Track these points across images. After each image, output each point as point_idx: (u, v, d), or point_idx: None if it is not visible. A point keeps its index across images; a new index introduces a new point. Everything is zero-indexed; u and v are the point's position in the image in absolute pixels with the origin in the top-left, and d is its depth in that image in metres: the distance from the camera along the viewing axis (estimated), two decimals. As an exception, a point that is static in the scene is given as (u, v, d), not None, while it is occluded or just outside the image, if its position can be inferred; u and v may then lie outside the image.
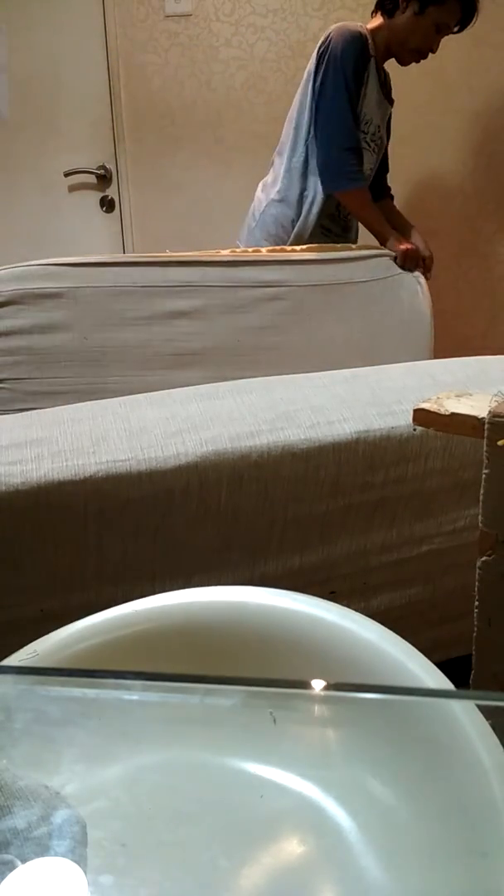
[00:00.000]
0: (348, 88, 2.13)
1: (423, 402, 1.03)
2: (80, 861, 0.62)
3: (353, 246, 2.32)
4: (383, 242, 2.28)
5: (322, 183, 2.19)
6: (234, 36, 2.72)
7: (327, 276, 2.19)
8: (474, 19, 2.17)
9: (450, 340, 2.95)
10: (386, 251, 2.28)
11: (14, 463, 1.26)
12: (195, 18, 2.72)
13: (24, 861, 0.60)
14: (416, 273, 2.31)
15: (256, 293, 2.14)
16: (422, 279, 2.31)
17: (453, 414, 1.00)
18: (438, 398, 1.03)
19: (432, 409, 1.02)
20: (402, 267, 2.26)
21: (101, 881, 0.64)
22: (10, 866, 0.59)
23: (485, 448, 0.95)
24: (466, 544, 1.45)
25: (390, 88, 2.39)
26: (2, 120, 2.92)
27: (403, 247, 2.26)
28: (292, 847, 0.73)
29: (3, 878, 0.57)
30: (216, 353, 2.13)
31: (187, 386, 2.06)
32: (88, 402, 1.47)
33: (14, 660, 0.86)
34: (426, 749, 0.74)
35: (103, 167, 2.92)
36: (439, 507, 1.46)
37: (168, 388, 2.01)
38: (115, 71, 2.81)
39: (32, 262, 2.00)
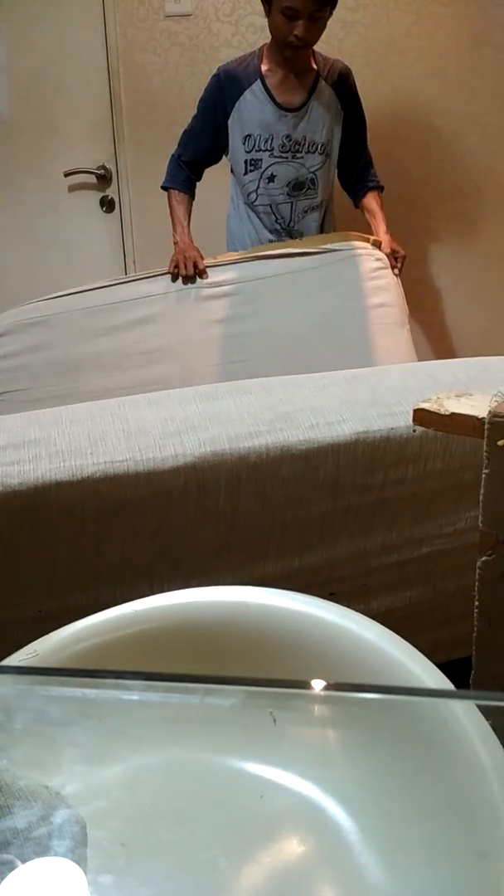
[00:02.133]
0: (198, 118, 2.41)
1: (423, 401, 1.03)
2: (80, 861, 0.62)
3: (299, 241, 2.45)
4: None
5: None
6: (234, 36, 2.72)
7: (276, 269, 2.37)
8: None
9: (450, 340, 2.95)
10: (335, 245, 2.40)
11: (12, 463, 1.25)
12: (195, 18, 2.72)
13: (24, 861, 0.60)
14: (374, 250, 2.41)
15: (212, 292, 2.36)
16: (380, 254, 2.41)
17: (453, 414, 1.00)
18: (438, 398, 1.03)
19: (432, 409, 1.02)
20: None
21: (101, 881, 0.64)
22: (10, 866, 0.59)
23: (485, 448, 0.95)
24: (467, 546, 1.45)
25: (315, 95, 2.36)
26: (2, 120, 2.92)
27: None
28: (292, 847, 0.73)
29: (3, 878, 0.57)
30: (182, 346, 2.35)
31: (159, 380, 2.24)
32: (87, 403, 1.47)
33: (14, 660, 0.86)
34: (426, 749, 0.74)
35: (103, 167, 2.92)
36: (439, 509, 1.46)
37: (141, 384, 2.22)
38: (115, 71, 2.81)
39: (22, 304, 2.40)
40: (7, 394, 2.31)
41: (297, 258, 2.37)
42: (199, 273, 2.36)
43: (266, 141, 2.36)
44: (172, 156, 2.46)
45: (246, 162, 2.38)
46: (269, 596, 0.93)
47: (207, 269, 2.36)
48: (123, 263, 3.01)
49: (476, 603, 1.01)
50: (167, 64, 2.78)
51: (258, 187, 2.41)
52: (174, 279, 2.37)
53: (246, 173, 2.40)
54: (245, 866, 0.71)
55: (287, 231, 2.47)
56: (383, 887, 0.68)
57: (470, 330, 2.94)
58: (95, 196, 2.97)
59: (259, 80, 2.31)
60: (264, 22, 2.69)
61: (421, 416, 1.03)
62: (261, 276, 2.36)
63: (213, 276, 2.36)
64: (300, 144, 2.37)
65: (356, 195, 2.52)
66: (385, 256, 2.41)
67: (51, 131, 2.91)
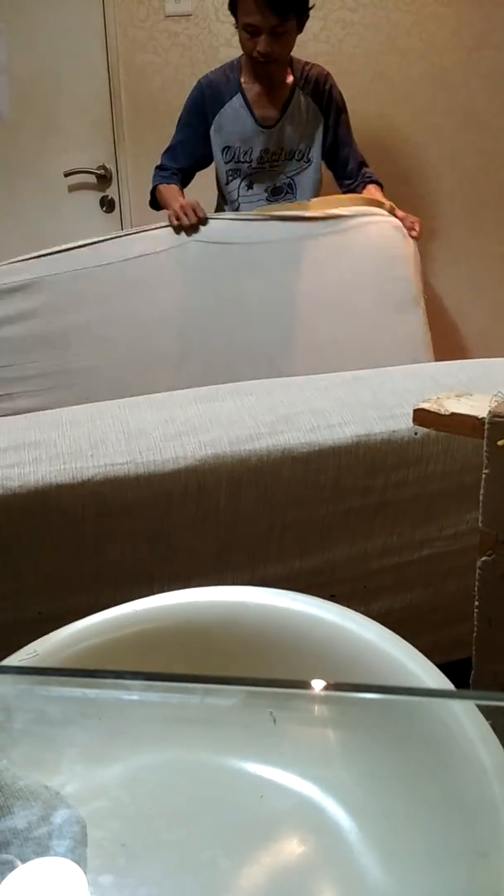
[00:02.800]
0: (183, 129, 2.39)
1: (423, 401, 1.03)
2: (80, 861, 0.62)
3: (307, 202, 2.30)
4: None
5: None
6: (234, 36, 2.71)
7: (282, 233, 2.20)
8: (286, 7, 2.09)
9: (450, 340, 2.95)
10: (348, 210, 2.26)
11: (12, 466, 1.25)
12: (195, 18, 2.72)
13: (24, 861, 0.60)
14: (390, 217, 2.28)
15: (212, 251, 2.20)
16: (396, 221, 2.27)
17: (453, 414, 1.00)
18: (438, 398, 1.03)
19: (432, 409, 1.02)
20: None
21: (101, 881, 0.64)
22: (10, 866, 0.59)
23: (485, 448, 0.95)
24: (467, 548, 1.44)
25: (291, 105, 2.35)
26: (2, 120, 2.92)
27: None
28: (292, 847, 0.73)
29: (3, 878, 0.57)
30: (178, 316, 2.18)
31: (155, 353, 2.15)
32: (87, 405, 1.47)
33: (14, 660, 0.86)
34: (426, 749, 0.74)
35: (103, 167, 2.92)
36: (440, 511, 1.46)
37: (135, 360, 2.12)
38: (115, 71, 2.81)
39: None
40: None
41: (304, 222, 2.23)
42: (201, 220, 2.23)
43: (245, 153, 2.38)
44: (156, 168, 2.44)
45: (227, 172, 2.41)
46: (269, 596, 0.93)
47: (209, 223, 2.23)
48: (123, 263, 3.01)
49: (476, 603, 1.01)
50: (167, 64, 2.78)
51: (239, 196, 2.42)
52: (177, 231, 2.22)
53: (227, 182, 2.42)
54: (245, 866, 0.71)
55: None
56: (383, 887, 0.68)
57: (470, 330, 2.93)
58: (95, 196, 2.97)
59: (239, 93, 2.33)
60: (264, 22, 2.70)
61: (421, 416, 1.03)
62: (265, 240, 2.22)
63: (215, 235, 2.21)
64: (277, 154, 2.39)
65: (355, 192, 2.47)
66: (401, 223, 2.29)
67: (51, 131, 2.91)
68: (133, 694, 0.78)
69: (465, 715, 0.71)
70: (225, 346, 2.18)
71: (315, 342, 2.19)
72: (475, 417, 0.97)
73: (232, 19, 2.57)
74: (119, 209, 2.96)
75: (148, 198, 2.51)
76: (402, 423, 1.37)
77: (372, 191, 2.43)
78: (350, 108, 2.74)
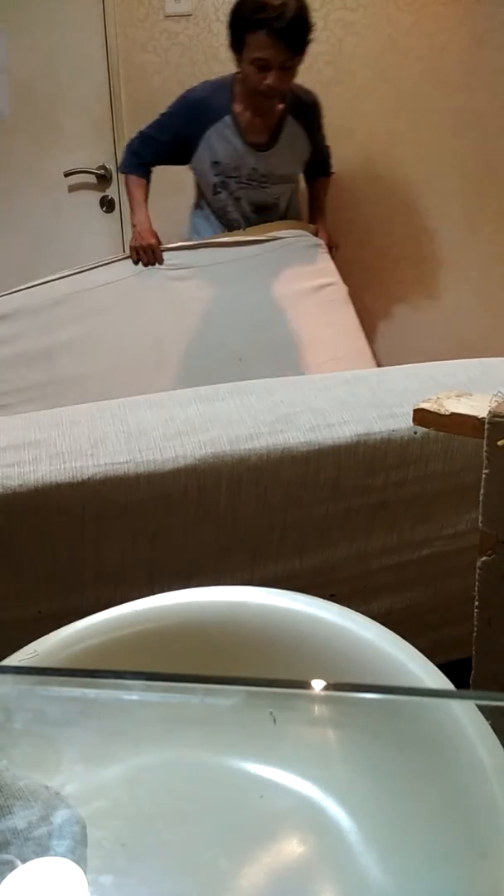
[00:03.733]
0: (162, 131, 2.46)
1: (423, 401, 1.03)
2: (80, 861, 0.62)
3: (247, 230, 2.58)
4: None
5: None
6: (234, 36, 2.72)
7: (229, 256, 2.50)
8: (301, 42, 2.13)
9: (450, 340, 2.95)
10: (280, 233, 2.54)
11: (11, 465, 1.25)
12: (195, 18, 2.72)
13: (24, 861, 0.60)
14: (311, 236, 2.59)
15: (174, 274, 2.47)
16: (317, 239, 2.59)
17: (453, 414, 1.00)
18: (438, 398, 1.03)
19: (432, 409, 1.02)
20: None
21: (101, 881, 0.64)
22: (10, 866, 0.59)
23: (484, 448, 0.95)
24: (467, 548, 1.44)
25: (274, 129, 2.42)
26: (2, 120, 2.92)
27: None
28: (292, 847, 0.73)
29: (3, 878, 0.57)
30: (152, 326, 2.43)
31: (136, 360, 2.34)
32: (87, 404, 1.47)
33: (14, 660, 0.86)
34: (426, 749, 0.74)
35: (103, 167, 2.92)
36: (440, 511, 1.46)
37: (118, 367, 2.34)
38: (115, 71, 2.81)
39: None
40: None
41: (246, 246, 2.50)
42: (158, 261, 2.46)
43: (234, 169, 2.43)
44: (130, 147, 2.50)
45: (214, 185, 2.45)
46: (269, 596, 0.93)
47: (166, 253, 2.46)
48: (123, 263, 3.01)
49: (476, 603, 1.01)
50: (167, 64, 2.78)
51: (226, 206, 2.50)
52: (135, 262, 2.46)
53: (215, 194, 2.48)
54: (245, 866, 0.71)
55: (223, 222, 2.60)
56: (383, 887, 0.68)
57: (470, 330, 2.93)
58: (95, 196, 2.97)
59: (230, 117, 2.35)
60: (264, 22, 2.70)
61: (421, 416, 1.03)
62: (218, 262, 2.48)
63: (173, 259, 2.48)
64: (266, 176, 2.47)
65: (307, 177, 2.66)
66: (322, 241, 2.58)
67: (51, 131, 2.91)
68: (133, 694, 0.78)
69: (465, 715, 0.71)
70: (199, 350, 2.41)
71: (275, 341, 2.47)
72: (475, 417, 0.97)
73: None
74: (119, 209, 2.97)
75: (120, 174, 2.61)
76: (401, 423, 1.37)
77: (317, 187, 2.68)
78: (350, 107, 2.75)
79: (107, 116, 2.87)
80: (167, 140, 2.44)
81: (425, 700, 0.77)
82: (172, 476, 1.28)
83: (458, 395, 1.04)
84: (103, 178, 2.93)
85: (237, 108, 2.33)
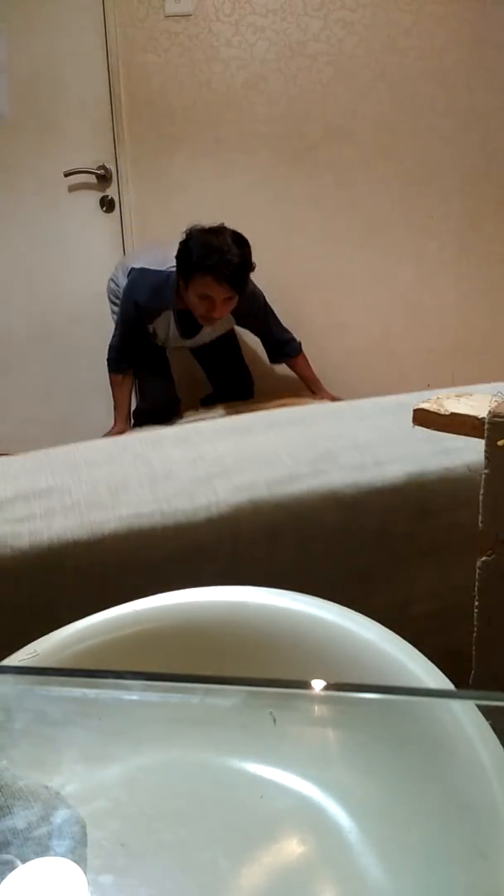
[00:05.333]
0: (125, 329, 2.70)
1: (423, 402, 1.03)
2: (80, 861, 0.62)
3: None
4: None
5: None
6: (234, 36, 2.72)
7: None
8: (242, 281, 2.41)
9: (450, 340, 2.95)
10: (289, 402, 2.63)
11: (22, 520, 1.10)
12: (195, 18, 2.72)
13: (24, 861, 0.60)
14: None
15: None
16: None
17: (453, 414, 1.00)
18: (438, 398, 1.03)
19: (432, 409, 1.02)
20: None
21: (101, 881, 0.64)
22: (10, 866, 0.59)
23: (485, 448, 0.95)
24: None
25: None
26: (2, 120, 2.91)
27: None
28: (292, 847, 0.73)
29: (3, 878, 0.57)
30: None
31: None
32: (105, 440, 1.32)
33: (14, 660, 0.86)
34: (426, 749, 0.74)
35: (103, 167, 2.92)
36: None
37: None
38: (115, 71, 2.81)
39: None
40: None
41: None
42: None
43: (165, 341, 2.71)
44: (112, 346, 2.73)
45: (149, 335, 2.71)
46: (269, 596, 0.93)
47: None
48: (123, 263, 3.01)
49: (476, 603, 1.01)
50: (167, 64, 2.78)
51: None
52: None
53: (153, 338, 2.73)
54: (245, 866, 0.71)
55: None
56: (383, 887, 0.68)
57: (470, 330, 2.93)
58: (95, 196, 2.97)
59: (172, 312, 2.60)
60: (264, 22, 2.70)
61: (421, 416, 1.03)
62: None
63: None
64: (196, 343, 2.76)
65: (283, 361, 2.84)
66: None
67: (51, 131, 2.91)
68: (133, 694, 0.78)
69: (465, 715, 0.71)
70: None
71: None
72: (475, 417, 0.97)
73: (232, 19, 2.58)
74: (119, 209, 2.97)
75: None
76: (455, 459, 1.24)
77: (299, 366, 2.82)
78: (350, 108, 2.75)
79: (107, 116, 2.87)
80: (129, 336, 2.68)
81: (425, 700, 0.77)
82: (205, 527, 1.14)
83: (458, 395, 1.04)
84: (103, 178, 2.93)
85: (179, 304, 2.55)
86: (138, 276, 2.57)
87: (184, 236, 2.43)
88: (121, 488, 1.15)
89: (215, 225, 2.43)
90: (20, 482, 1.18)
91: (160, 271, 2.54)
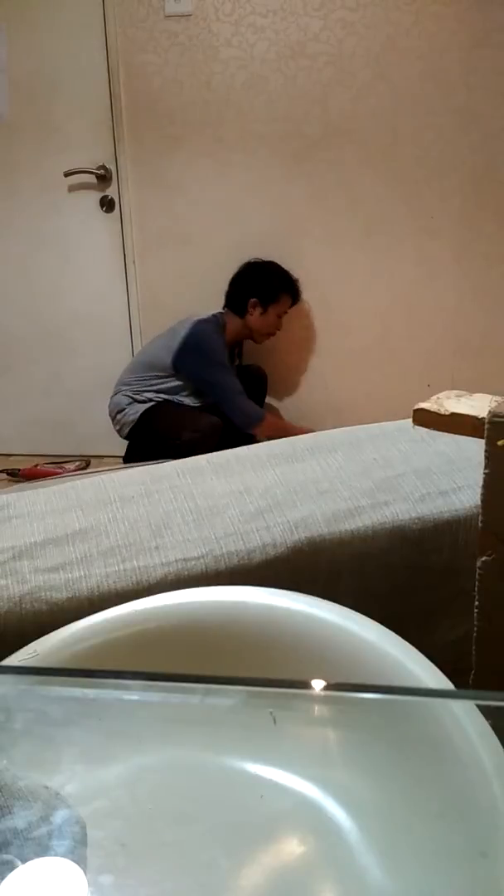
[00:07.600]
0: (223, 367, 2.82)
1: (423, 402, 1.03)
2: (80, 861, 0.62)
3: None
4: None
5: (241, 428, 2.77)
6: (234, 36, 2.72)
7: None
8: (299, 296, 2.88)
9: (450, 340, 2.95)
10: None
11: (56, 569, 0.96)
12: (195, 18, 2.72)
13: (24, 861, 0.60)
14: None
15: None
16: None
17: (453, 414, 1.00)
18: (438, 398, 1.03)
19: (432, 409, 1.01)
20: None
21: (101, 881, 0.64)
22: (10, 866, 0.59)
23: (485, 448, 0.95)
24: None
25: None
26: (2, 120, 2.92)
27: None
28: (292, 847, 0.73)
29: (3, 878, 0.57)
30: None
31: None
32: (138, 469, 1.18)
33: (14, 660, 0.86)
34: (426, 749, 0.74)
35: (103, 167, 2.92)
36: None
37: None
38: (115, 71, 2.81)
39: None
40: None
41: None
42: None
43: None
44: (238, 406, 2.76)
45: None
46: (269, 596, 0.93)
47: None
48: (123, 263, 3.01)
49: (476, 603, 1.01)
50: (167, 64, 2.78)
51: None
52: None
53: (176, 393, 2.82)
54: (245, 866, 0.71)
55: None
56: (383, 887, 0.68)
57: (470, 330, 2.93)
58: (95, 196, 2.97)
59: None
60: (264, 22, 2.70)
61: (421, 416, 1.03)
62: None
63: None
64: None
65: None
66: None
67: (51, 131, 2.91)
68: (133, 694, 0.78)
69: (465, 715, 0.71)
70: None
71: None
72: (475, 417, 0.97)
73: (232, 19, 2.57)
74: (119, 209, 2.96)
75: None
76: None
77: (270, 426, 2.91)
78: (350, 108, 2.76)
79: (107, 116, 2.87)
80: (232, 372, 2.82)
81: (425, 700, 0.77)
82: (260, 571, 1.02)
83: (458, 395, 1.04)
84: (103, 178, 2.93)
85: (227, 338, 2.83)
86: (203, 326, 2.73)
87: (245, 268, 2.81)
88: (163, 528, 1.03)
89: (255, 259, 2.83)
90: (48, 524, 1.04)
91: (211, 315, 2.78)
